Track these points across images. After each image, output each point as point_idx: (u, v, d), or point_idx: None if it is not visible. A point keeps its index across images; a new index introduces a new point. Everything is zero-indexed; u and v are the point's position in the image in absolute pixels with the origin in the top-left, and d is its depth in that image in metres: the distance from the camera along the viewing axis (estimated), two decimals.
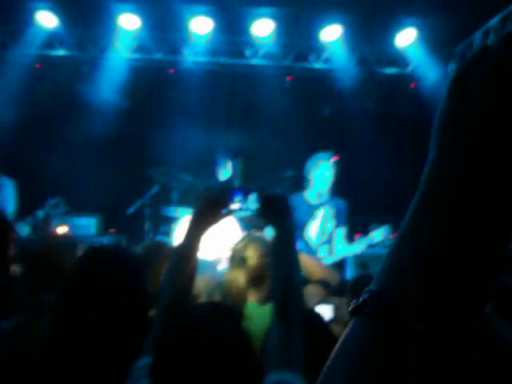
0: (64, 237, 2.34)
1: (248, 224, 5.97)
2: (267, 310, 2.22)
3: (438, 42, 7.11)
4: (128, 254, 1.58)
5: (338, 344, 0.56)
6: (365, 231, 5.64)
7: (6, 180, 5.08)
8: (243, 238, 2.66)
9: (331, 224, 4.59)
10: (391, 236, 4.54)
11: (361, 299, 0.56)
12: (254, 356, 1.28)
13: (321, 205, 4.60)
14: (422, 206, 0.57)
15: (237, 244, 2.61)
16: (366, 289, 0.57)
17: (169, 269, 1.66)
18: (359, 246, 4.53)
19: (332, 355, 0.56)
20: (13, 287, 2.20)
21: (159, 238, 5.95)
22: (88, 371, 1.34)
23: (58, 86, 6.96)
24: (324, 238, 4.56)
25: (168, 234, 5.94)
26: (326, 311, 2.35)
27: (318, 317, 2.02)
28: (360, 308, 0.56)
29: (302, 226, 4.54)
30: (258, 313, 2.19)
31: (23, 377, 1.46)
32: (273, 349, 1.42)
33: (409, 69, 7.48)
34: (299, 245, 4.46)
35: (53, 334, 1.41)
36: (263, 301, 2.33)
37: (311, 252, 4.47)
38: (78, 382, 1.34)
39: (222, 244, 5.54)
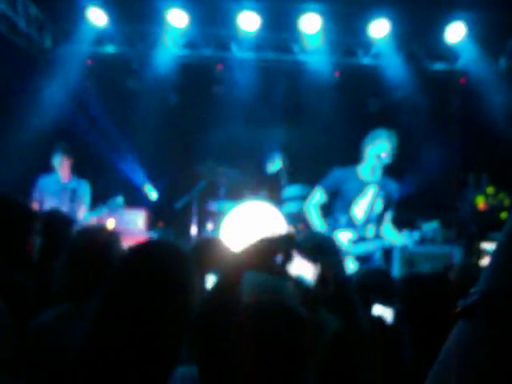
0: (108, 230, 2.34)
1: (294, 219, 5.98)
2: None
3: (488, 37, 6.95)
4: (177, 249, 1.55)
5: (445, 349, 0.53)
6: (413, 226, 5.53)
7: (82, 183, 5.46)
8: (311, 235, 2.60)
9: (380, 205, 4.39)
10: (440, 232, 4.35)
11: (470, 300, 0.52)
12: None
13: (372, 183, 4.41)
14: None
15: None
16: (475, 289, 0.53)
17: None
18: (409, 239, 4.32)
19: (440, 361, 0.52)
20: (32, 280, 2.21)
21: (208, 233, 5.99)
22: (126, 376, 1.32)
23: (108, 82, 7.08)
24: (371, 217, 4.38)
25: (215, 228, 5.99)
26: (386, 313, 2.27)
27: (380, 320, 2.01)
28: (470, 310, 0.51)
29: (349, 201, 4.38)
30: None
31: (69, 365, 1.47)
32: None
33: (458, 64, 7.34)
34: (343, 220, 4.39)
35: (94, 328, 1.40)
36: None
37: (354, 230, 4.34)
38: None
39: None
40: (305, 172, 6.44)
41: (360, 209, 4.38)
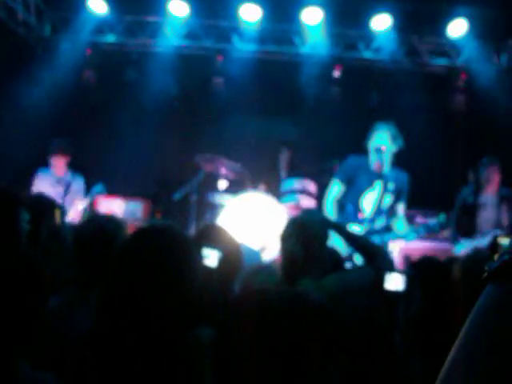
0: (113, 216, 2.33)
1: (292, 211, 5.96)
2: (321, 285, 2.23)
3: (489, 33, 6.94)
4: (177, 233, 1.54)
5: (474, 312, 0.50)
6: (413, 222, 5.49)
7: (76, 176, 5.67)
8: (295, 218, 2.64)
9: (389, 198, 4.32)
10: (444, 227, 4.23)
11: (499, 262, 0.50)
12: None
13: (380, 177, 4.34)
14: None
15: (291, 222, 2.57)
16: (506, 251, 0.51)
17: None
18: (413, 233, 4.24)
19: (469, 327, 0.50)
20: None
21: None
22: (133, 353, 1.33)
23: (107, 72, 7.03)
24: (379, 211, 4.30)
25: (213, 220, 5.95)
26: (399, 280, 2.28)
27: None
28: (501, 271, 0.49)
29: (359, 193, 4.34)
30: (313, 288, 2.19)
31: (74, 351, 1.47)
32: None
33: (460, 60, 7.32)
34: (347, 209, 4.36)
35: (99, 312, 1.41)
36: (317, 277, 2.32)
37: (362, 224, 4.30)
38: (125, 362, 1.34)
39: (267, 233, 5.54)
40: (305, 165, 6.42)
41: (368, 202, 4.33)
